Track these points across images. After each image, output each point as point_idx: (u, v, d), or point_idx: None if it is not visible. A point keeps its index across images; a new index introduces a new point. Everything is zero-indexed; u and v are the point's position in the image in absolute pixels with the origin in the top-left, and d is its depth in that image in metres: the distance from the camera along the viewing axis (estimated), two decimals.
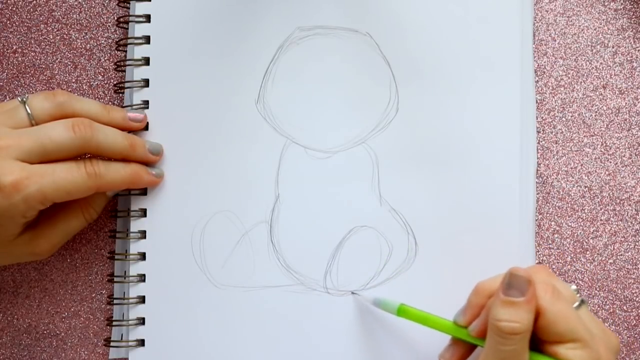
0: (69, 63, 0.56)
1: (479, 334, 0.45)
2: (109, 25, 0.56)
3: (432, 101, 0.53)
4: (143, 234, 0.53)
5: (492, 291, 0.45)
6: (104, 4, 0.56)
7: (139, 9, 0.54)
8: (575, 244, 0.53)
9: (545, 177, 0.54)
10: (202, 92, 0.53)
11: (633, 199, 0.53)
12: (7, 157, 0.46)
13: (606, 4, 0.55)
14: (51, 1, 0.56)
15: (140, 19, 0.54)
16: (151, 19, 0.54)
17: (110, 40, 0.56)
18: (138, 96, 0.53)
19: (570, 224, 0.54)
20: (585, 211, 0.54)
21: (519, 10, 0.53)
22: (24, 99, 0.49)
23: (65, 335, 0.54)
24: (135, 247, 0.53)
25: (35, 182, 0.46)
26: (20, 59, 0.56)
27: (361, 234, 0.52)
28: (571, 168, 0.54)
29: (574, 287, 0.47)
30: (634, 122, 0.54)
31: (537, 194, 0.53)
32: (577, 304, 0.45)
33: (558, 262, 0.53)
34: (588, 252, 0.53)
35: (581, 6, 0.55)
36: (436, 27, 0.53)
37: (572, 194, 0.54)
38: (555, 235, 0.53)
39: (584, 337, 0.43)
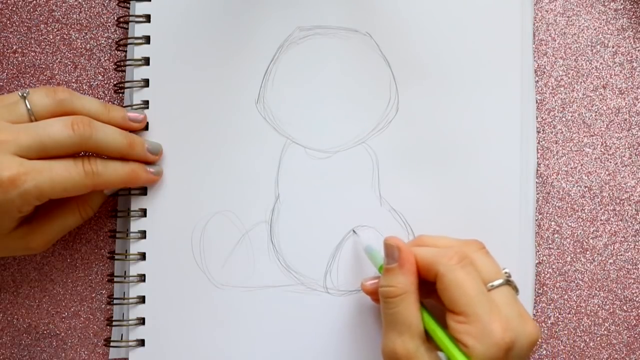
0: (69, 63, 0.56)
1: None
2: (109, 25, 0.56)
3: (432, 101, 0.53)
4: (143, 234, 0.53)
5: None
6: (104, 4, 0.56)
7: (139, 9, 0.54)
8: (575, 244, 0.53)
9: (545, 177, 0.54)
10: (202, 92, 0.53)
11: (633, 199, 0.53)
12: (5, 152, 0.46)
13: (606, 4, 0.55)
14: (51, 1, 0.56)
15: (140, 19, 0.54)
16: (151, 19, 0.54)
17: (110, 40, 0.56)
18: (138, 96, 0.53)
19: (570, 224, 0.54)
20: (585, 211, 0.54)
21: (519, 10, 0.53)
22: (25, 94, 0.49)
23: (65, 335, 0.54)
24: (135, 247, 0.53)
25: (33, 178, 0.46)
26: (20, 59, 0.56)
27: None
28: (571, 168, 0.54)
29: (506, 270, 0.45)
30: (634, 122, 0.54)
31: (537, 194, 0.53)
32: (495, 283, 0.44)
33: (558, 262, 0.53)
34: (588, 252, 0.53)
35: (581, 6, 0.55)
36: (436, 27, 0.53)
37: (572, 194, 0.54)
38: (555, 235, 0.53)
39: (475, 312, 0.42)
